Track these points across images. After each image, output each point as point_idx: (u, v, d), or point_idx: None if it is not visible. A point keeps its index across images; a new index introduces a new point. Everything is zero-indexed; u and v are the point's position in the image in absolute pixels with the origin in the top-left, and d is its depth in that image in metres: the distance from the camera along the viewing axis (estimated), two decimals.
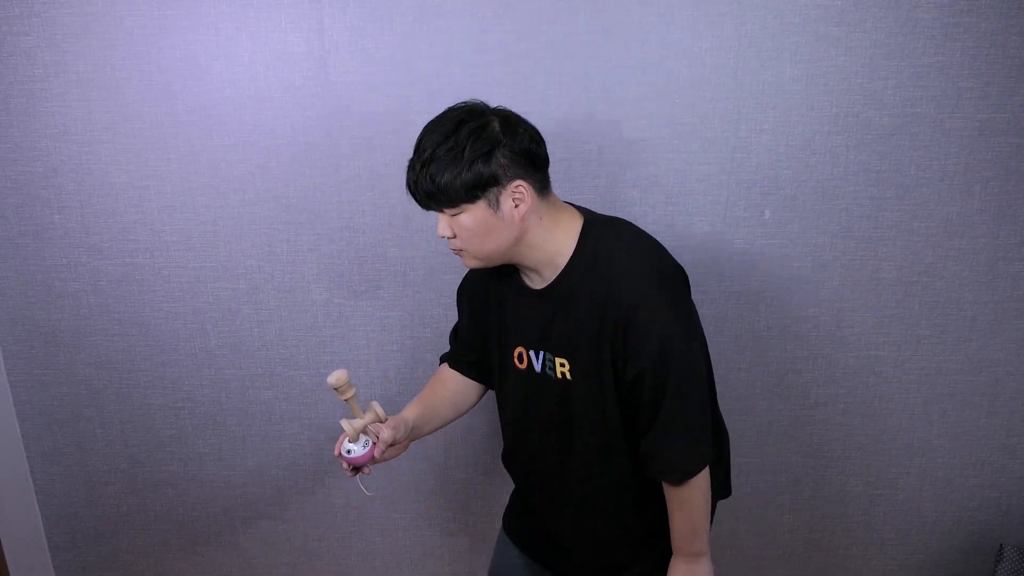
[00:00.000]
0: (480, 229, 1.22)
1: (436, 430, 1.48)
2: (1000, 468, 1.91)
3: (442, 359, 1.56)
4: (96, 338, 1.88)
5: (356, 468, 1.34)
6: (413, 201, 1.26)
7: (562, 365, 1.32)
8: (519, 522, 1.62)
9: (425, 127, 1.23)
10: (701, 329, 1.34)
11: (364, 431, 1.31)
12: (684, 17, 1.61)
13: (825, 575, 2.04)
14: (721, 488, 1.49)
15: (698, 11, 1.60)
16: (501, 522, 1.68)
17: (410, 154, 1.78)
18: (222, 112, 1.71)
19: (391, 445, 1.34)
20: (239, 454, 1.98)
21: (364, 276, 1.82)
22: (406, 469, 1.98)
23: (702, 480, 1.31)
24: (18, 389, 1.94)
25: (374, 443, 1.32)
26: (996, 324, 1.79)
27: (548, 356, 1.34)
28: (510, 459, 1.55)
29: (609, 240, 1.28)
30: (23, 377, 1.92)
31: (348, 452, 1.32)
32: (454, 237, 1.25)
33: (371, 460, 1.33)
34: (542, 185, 1.26)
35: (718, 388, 1.84)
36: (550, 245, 1.27)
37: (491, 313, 1.42)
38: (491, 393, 1.54)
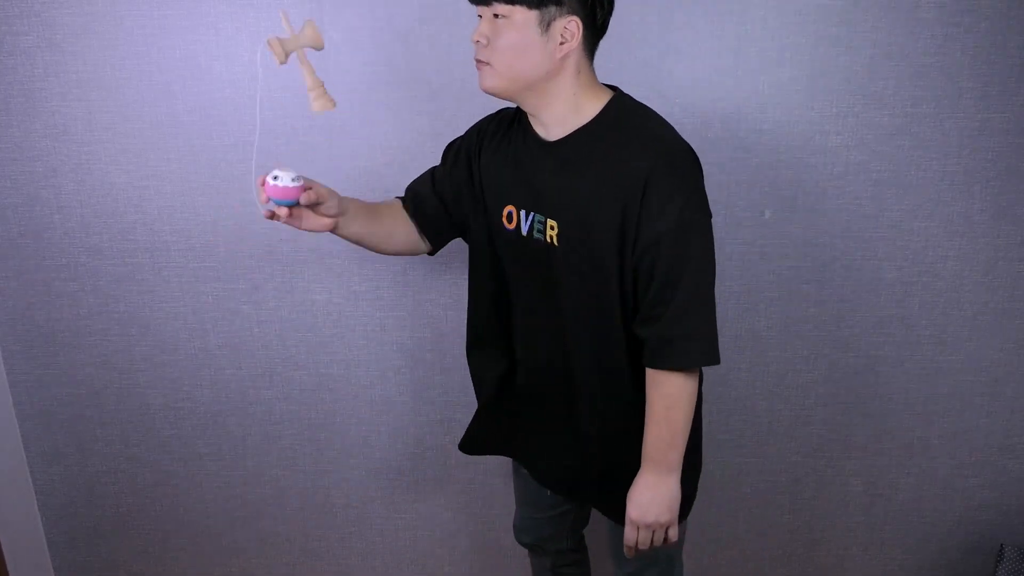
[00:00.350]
0: (520, 43, 1.15)
1: (359, 240, 1.36)
2: (1000, 468, 1.91)
3: (405, 193, 1.46)
4: (96, 338, 1.88)
5: (275, 210, 1.19)
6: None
7: (552, 228, 1.25)
8: (508, 436, 1.51)
9: None
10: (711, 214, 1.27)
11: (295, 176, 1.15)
12: (684, 17, 1.61)
13: (825, 575, 2.04)
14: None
15: (698, 11, 1.60)
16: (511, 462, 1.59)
17: (410, 154, 1.77)
18: (222, 112, 1.71)
19: (314, 209, 1.24)
20: (239, 454, 1.98)
21: (364, 276, 1.82)
22: (406, 469, 1.98)
23: (693, 383, 1.23)
24: (18, 389, 1.94)
25: (304, 184, 1.18)
26: (996, 324, 1.79)
27: (538, 218, 1.27)
28: (482, 347, 1.45)
29: (638, 112, 1.24)
30: (23, 377, 1.92)
31: (276, 179, 1.16)
32: (487, 45, 1.18)
33: (296, 203, 1.18)
34: (592, 45, 1.21)
35: (718, 389, 1.86)
36: (575, 100, 1.22)
37: (483, 174, 1.34)
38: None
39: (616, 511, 1.38)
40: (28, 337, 1.89)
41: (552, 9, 1.14)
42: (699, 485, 1.45)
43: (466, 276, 1.80)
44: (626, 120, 1.23)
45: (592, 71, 1.25)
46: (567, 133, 1.24)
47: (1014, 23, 1.58)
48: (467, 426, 1.57)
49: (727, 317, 1.81)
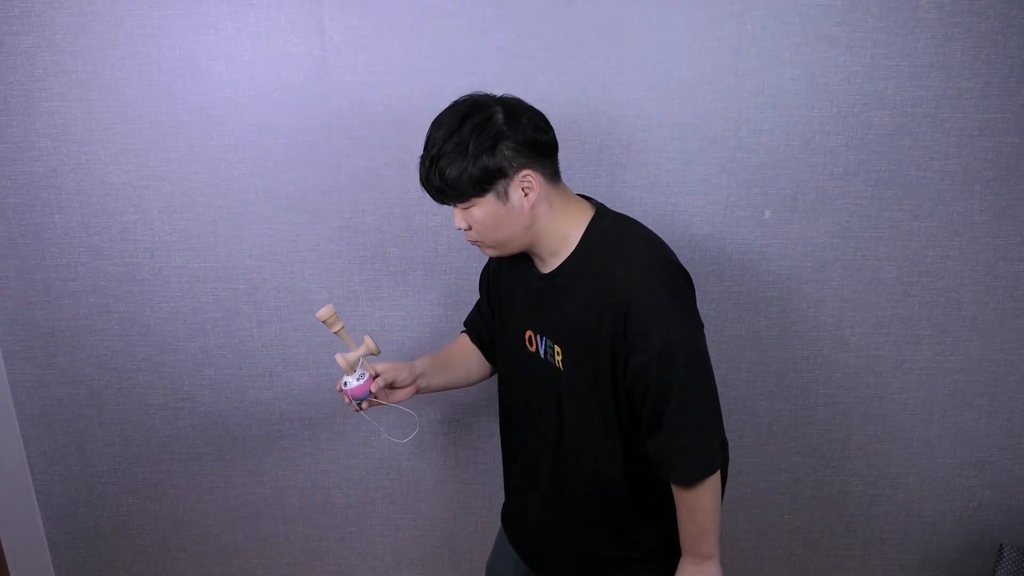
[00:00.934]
0: (492, 220, 1.24)
1: (445, 388, 1.52)
2: (1000, 468, 1.91)
3: (465, 328, 1.60)
4: (96, 338, 1.88)
5: (359, 404, 1.38)
6: (424, 196, 1.29)
7: (558, 353, 1.33)
8: (510, 516, 1.61)
9: (432, 122, 1.24)
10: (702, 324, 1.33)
11: (360, 365, 1.36)
12: (684, 17, 1.61)
13: (825, 575, 2.04)
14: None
15: (698, 11, 1.60)
16: (500, 519, 1.67)
17: (410, 153, 1.78)
18: (222, 112, 1.71)
19: (393, 387, 1.39)
20: (239, 454, 1.98)
21: (364, 276, 1.82)
22: (407, 469, 1.98)
23: (713, 481, 1.29)
24: (18, 389, 1.94)
25: (371, 376, 1.36)
26: (996, 324, 1.79)
27: (548, 342, 1.35)
28: (508, 442, 1.55)
29: (615, 232, 1.28)
30: (23, 377, 1.92)
31: (345, 385, 1.36)
32: (469, 229, 1.27)
33: (370, 394, 1.36)
34: (551, 172, 1.26)
35: (719, 388, 1.85)
36: (559, 232, 1.28)
37: (506, 296, 1.44)
38: (493, 383, 1.56)
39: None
40: (28, 337, 1.89)
41: (500, 183, 1.21)
42: None
43: (467, 277, 1.81)
44: (603, 246, 1.27)
45: (562, 194, 1.29)
46: (558, 264, 1.30)
47: (1014, 23, 1.58)
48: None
49: (727, 317, 1.81)
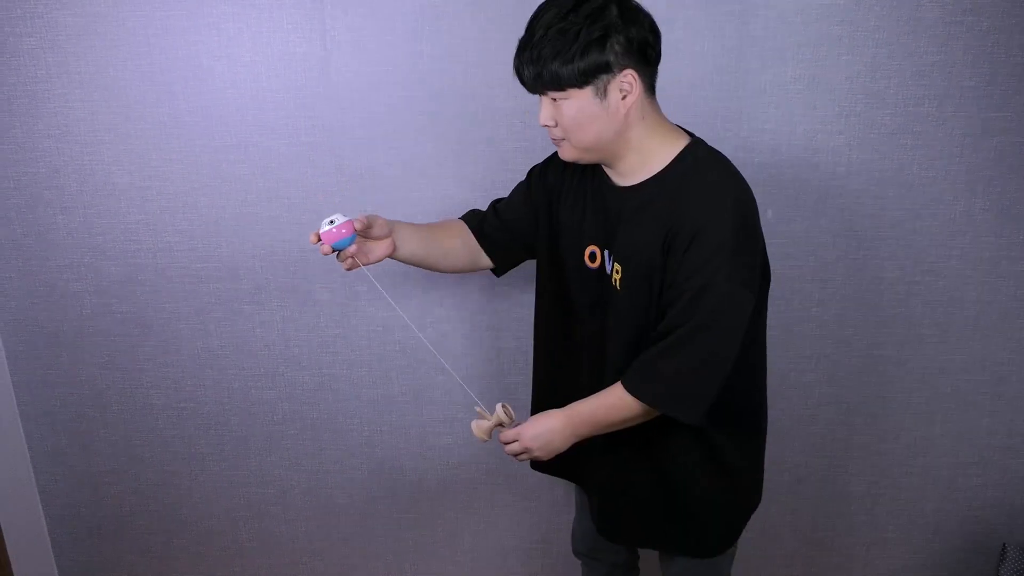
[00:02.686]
0: (584, 117, 1.18)
1: (419, 261, 1.42)
2: (1003, 467, 1.91)
3: (466, 217, 1.49)
4: (99, 338, 1.89)
5: (343, 256, 1.29)
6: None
7: (616, 272, 1.28)
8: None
9: (540, 4, 1.18)
10: (764, 278, 1.28)
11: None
12: (686, 17, 1.61)
13: (828, 574, 2.04)
14: (754, 491, 1.47)
15: (700, 11, 1.60)
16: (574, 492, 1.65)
17: (411, 153, 1.78)
18: (224, 112, 1.71)
19: (369, 236, 1.31)
20: (241, 454, 1.98)
21: (366, 276, 1.82)
22: (409, 469, 1.98)
23: (641, 412, 1.25)
24: (21, 389, 1.94)
25: (349, 220, 1.26)
26: (999, 323, 1.79)
27: (612, 258, 1.30)
28: (554, 360, 1.48)
29: (707, 164, 1.24)
30: (26, 377, 1.93)
31: (331, 223, 1.26)
32: (555, 126, 1.21)
33: (353, 240, 1.27)
34: (651, 82, 1.21)
35: None
36: (647, 148, 1.23)
37: (567, 209, 1.37)
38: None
39: (661, 543, 1.48)
40: (31, 337, 1.89)
41: (603, 77, 1.16)
42: None
43: (468, 276, 1.81)
44: (692, 174, 1.22)
45: (657, 111, 1.25)
46: (638, 181, 1.25)
47: (1016, 22, 1.58)
48: None
49: None
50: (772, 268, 1.76)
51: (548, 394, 1.49)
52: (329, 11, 1.64)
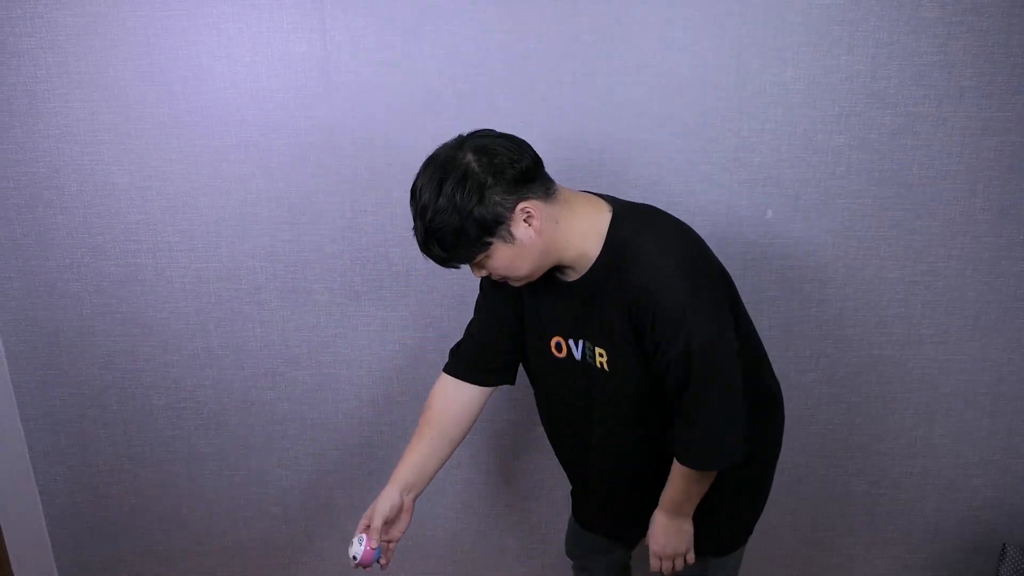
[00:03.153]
0: (508, 261, 1.22)
1: (438, 471, 1.47)
2: (1003, 468, 1.91)
3: (448, 368, 1.48)
4: (99, 338, 1.89)
5: (379, 563, 1.37)
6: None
7: (601, 355, 1.32)
8: (586, 510, 1.61)
9: (411, 196, 1.21)
10: (737, 317, 1.33)
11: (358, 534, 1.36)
12: (685, 16, 1.61)
13: (828, 574, 2.03)
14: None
15: (700, 10, 1.60)
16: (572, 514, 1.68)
17: (412, 153, 1.77)
18: (224, 113, 1.71)
19: (390, 523, 1.38)
20: (241, 454, 1.98)
21: (366, 276, 1.82)
22: None
23: (712, 473, 1.34)
24: (21, 390, 1.94)
25: (367, 536, 1.35)
26: (999, 323, 1.79)
27: (588, 345, 1.33)
28: (559, 443, 1.55)
29: (637, 232, 1.25)
30: (26, 377, 1.93)
31: (354, 558, 1.34)
32: (490, 274, 1.26)
33: (380, 552, 1.37)
34: (544, 190, 1.21)
35: None
36: (576, 242, 1.25)
37: (523, 304, 1.41)
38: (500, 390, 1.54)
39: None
40: (31, 338, 1.89)
41: (501, 227, 1.18)
42: None
43: (469, 277, 1.81)
44: (626, 255, 1.24)
45: (565, 200, 1.25)
46: (581, 274, 1.29)
47: (1016, 22, 1.58)
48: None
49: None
50: (773, 267, 1.77)
51: (562, 454, 1.57)
52: (329, 11, 1.64)
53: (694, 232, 1.31)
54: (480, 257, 1.21)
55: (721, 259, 1.76)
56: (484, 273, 1.26)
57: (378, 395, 1.92)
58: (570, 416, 1.45)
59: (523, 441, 1.95)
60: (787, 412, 1.88)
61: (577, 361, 1.36)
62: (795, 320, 1.81)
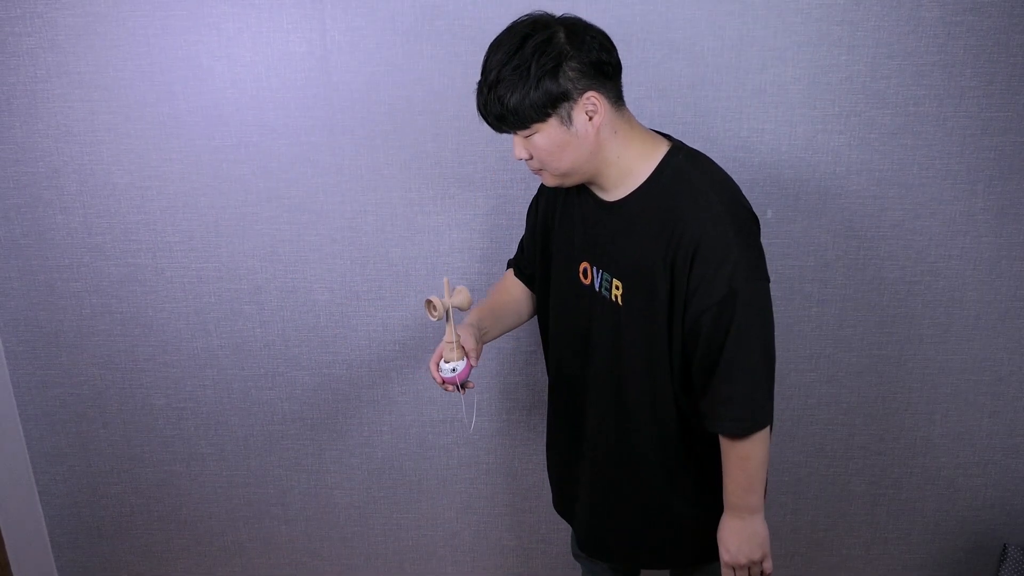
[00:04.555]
0: (556, 147, 1.19)
1: (502, 334, 1.50)
2: (1003, 468, 1.91)
3: (509, 264, 1.58)
4: (98, 338, 1.89)
5: (461, 385, 1.35)
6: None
7: (616, 287, 1.28)
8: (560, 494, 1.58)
9: (490, 45, 1.18)
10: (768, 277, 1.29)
11: (456, 348, 1.32)
12: (685, 16, 1.61)
13: (828, 574, 2.03)
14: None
15: (700, 10, 1.60)
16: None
17: (412, 153, 1.78)
18: (224, 112, 1.71)
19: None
20: (241, 454, 1.98)
21: (366, 276, 1.82)
22: (408, 469, 1.98)
23: (764, 434, 1.25)
24: (21, 389, 1.94)
25: (467, 360, 1.33)
26: (999, 323, 1.79)
27: (606, 276, 1.30)
28: (557, 383, 1.52)
29: (690, 170, 1.23)
30: (26, 377, 1.93)
31: (453, 371, 1.32)
32: (531, 158, 1.22)
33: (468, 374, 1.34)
34: (615, 95, 1.21)
35: None
36: (625, 162, 1.23)
37: (559, 228, 1.38)
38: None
39: (654, 561, 1.49)
40: (31, 337, 1.89)
41: (564, 106, 1.16)
42: None
43: (469, 277, 1.81)
44: (678, 182, 1.22)
45: (629, 121, 1.25)
46: (624, 195, 1.26)
47: (1016, 22, 1.58)
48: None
49: None
50: (773, 267, 1.76)
51: (558, 426, 1.54)
52: (329, 11, 1.64)
53: (737, 185, 1.28)
54: (533, 128, 1.17)
55: None
56: (526, 155, 1.22)
57: (378, 395, 1.92)
58: (593, 360, 1.38)
59: (523, 441, 1.95)
60: (787, 412, 1.89)
61: (596, 292, 1.32)
62: (795, 320, 1.81)
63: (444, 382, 1.33)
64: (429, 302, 1.28)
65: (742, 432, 1.24)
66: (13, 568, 1.99)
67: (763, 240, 1.73)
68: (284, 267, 1.82)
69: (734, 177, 1.69)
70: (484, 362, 1.87)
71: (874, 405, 1.87)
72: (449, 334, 1.31)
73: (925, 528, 1.97)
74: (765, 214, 1.73)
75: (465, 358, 1.33)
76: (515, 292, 1.53)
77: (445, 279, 1.29)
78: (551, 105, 1.15)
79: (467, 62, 1.66)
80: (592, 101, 1.17)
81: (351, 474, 1.99)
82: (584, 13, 1.60)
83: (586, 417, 1.43)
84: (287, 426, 1.96)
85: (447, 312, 1.29)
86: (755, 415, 1.24)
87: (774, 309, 1.78)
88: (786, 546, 2.01)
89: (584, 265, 1.34)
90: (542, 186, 1.46)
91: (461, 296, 1.31)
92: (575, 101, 1.16)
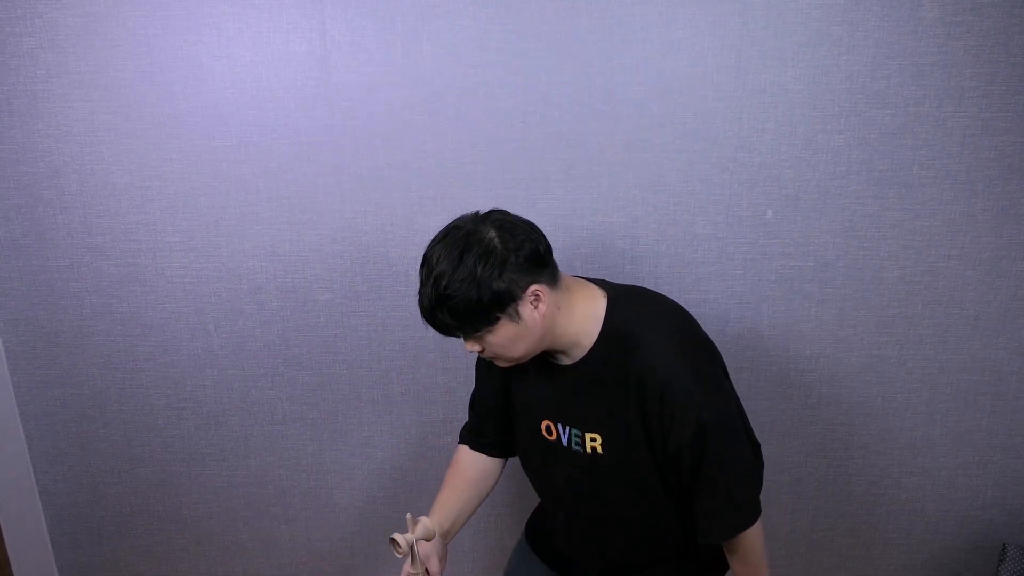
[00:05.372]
0: (508, 340, 1.23)
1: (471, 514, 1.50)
2: (1003, 467, 1.90)
3: (461, 437, 1.56)
4: (98, 338, 1.89)
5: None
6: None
7: (593, 440, 1.33)
8: (544, 540, 1.61)
9: (425, 257, 1.22)
10: (733, 392, 1.35)
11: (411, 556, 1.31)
12: (685, 16, 1.61)
13: (828, 574, 2.03)
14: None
15: (700, 10, 1.60)
16: (524, 531, 1.67)
17: (412, 153, 1.78)
18: (224, 112, 1.71)
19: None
20: (241, 454, 1.98)
21: (366, 276, 1.82)
22: (408, 470, 1.98)
23: (755, 529, 1.33)
24: (21, 389, 1.94)
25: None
26: (999, 323, 1.79)
27: (575, 432, 1.34)
28: (542, 512, 1.59)
29: (635, 316, 1.28)
30: (26, 377, 1.93)
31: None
32: (483, 351, 1.26)
33: None
34: (552, 277, 1.25)
35: None
36: (574, 329, 1.27)
37: (516, 382, 1.42)
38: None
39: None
40: (31, 337, 1.89)
41: (511, 305, 1.19)
42: None
43: None
44: (627, 338, 1.26)
45: (567, 286, 1.28)
46: (580, 357, 1.30)
47: (1016, 22, 1.58)
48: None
49: (729, 317, 1.81)
50: (773, 267, 1.77)
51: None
52: (329, 11, 1.64)
53: (683, 309, 1.34)
54: (483, 331, 1.21)
55: (720, 259, 1.77)
56: (478, 349, 1.25)
57: (378, 395, 1.92)
58: (572, 506, 1.45)
59: None
60: (787, 412, 1.89)
61: (563, 447, 1.37)
62: (795, 320, 1.81)
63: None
64: (393, 540, 1.28)
65: (727, 538, 1.32)
66: (13, 568, 1.99)
67: (763, 240, 1.74)
68: (284, 267, 1.82)
69: (734, 178, 1.70)
70: None
71: (874, 405, 1.87)
72: (415, 567, 1.31)
73: (925, 528, 1.97)
74: (765, 214, 1.73)
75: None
76: (472, 473, 1.50)
77: (408, 515, 1.29)
78: (500, 308, 1.19)
79: (467, 62, 1.66)
80: (535, 293, 1.21)
81: (351, 474, 1.99)
82: (584, 13, 1.61)
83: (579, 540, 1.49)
84: (287, 426, 1.96)
85: (411, 547, 1.30)
86: (735, 523, 1.31)
87: (774, 309, 1.80)
88: (786, 546, 2.01)
89: (546, 423, 1.38)
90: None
91: (423, 528, 1.31)
92: (520, 299, 1.20)
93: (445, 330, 1.23)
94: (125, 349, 1.90)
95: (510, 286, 1.18)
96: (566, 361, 1.32)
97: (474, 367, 1.53)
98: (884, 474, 1.93)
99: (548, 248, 1.25)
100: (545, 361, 1.34)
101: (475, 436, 1.54)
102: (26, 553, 2.02)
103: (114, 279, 1.84)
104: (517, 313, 1.20)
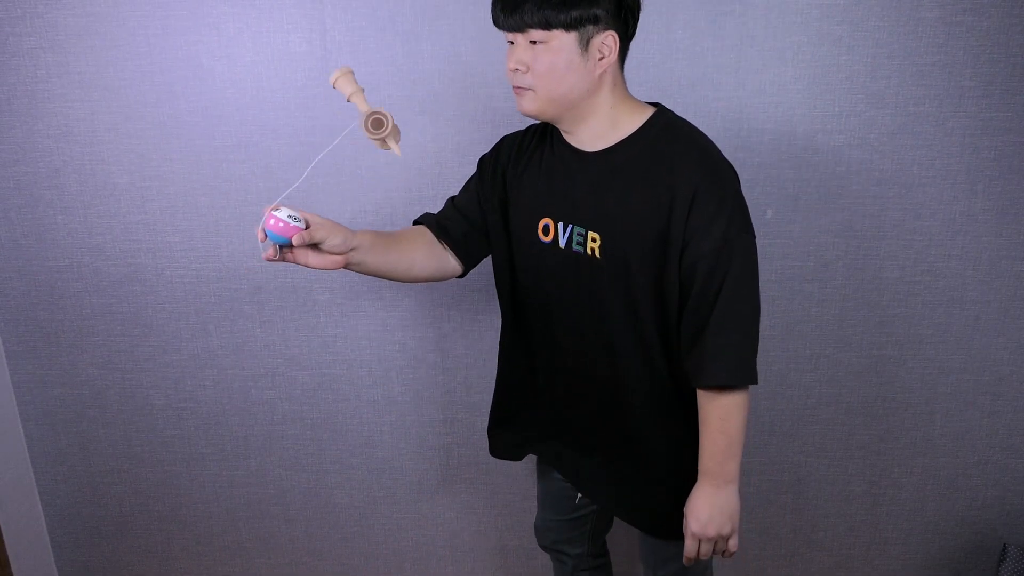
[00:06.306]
0: (561, 65, 1.15)
1: (379, 273, 1.33)
2: (1003, 467, 1.91)
3: (416, 221, 1.43)
4: (99, 338, 1.89)
5: (280, 250, 1.17)
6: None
7: (593, 240, 1.25)
8: (537, 433, 1.50)
9: None
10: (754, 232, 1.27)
11: (291, 209, 1.15)
12: (685, 16, 1.61)
13: (828, 574, 2.03)
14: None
15: (700, 10, 1.60)
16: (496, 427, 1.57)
17: (412, 153, 1.77)
18: (224, 112, 1.71)
19: (318, 247, 1.20)
20: (241, 454, 1.98)
21: (366, 276, 1.82)
22: (408, 469, 1.98)
23: (745, 396, 1.24)
24: (21, 389, 1.94)
25: (302, 229, 1.15)
26: (999, 323, 1.79)
27: (577, 229, 1.27)
28: (515, 350, 1.45)
29: (679, 124, 1.25)
30: (26, 377, 1.93)
31: (276, 211, 1.15)
32: (526, 71, 1.17)
33: (289, 242, 1.15)
34: (624, 55, 1.21)
35: None
36: (613, 115, 1.22)
37: (518, 185, 1.34)
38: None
39: (643, 522, 1.42)
40: (31, 337, 1.89)
41: (590, 28, 1.15)
42: None
43: (467, 275, 1.81)
44: (673, 133, 1.23)
45: (624, 83, 1.25)
46: (608, 145, 1.24)
47: (1016, 22, 1.58)
48: (490, 431, 1.56)
49: None
50: (773, 267, 1.77)
51: (511, 400, 1.49)
52: (329, 11, 1.64)
53: None
54: (553, 34, 1.13)
55: None
56: (523, 66, 1.17)
57: (378, 395, 1.92)
58: (563, 323, 1.33)
59: None
60: (787, 412, 1.89)
61: (560, 248, 1.29)
62: (795, 320, 1.81)
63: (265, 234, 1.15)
64: (378, 119, 1.17)
65: (731, 382, 1.21)
66: (13, 568, 1.99)
67: (763, 240, 1.74)
68: (284, 267, 1.82)
69: None
70: (483, 362, 1.87)
71: (874, 405, 1.87)
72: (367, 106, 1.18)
73: (925, 528, 1.97)
74: (765, 214, 1.73)
75: (298, 220, 1.15)
76: (416, 240, 1.37)
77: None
78: (581, 21, 1.13)
79: (467, 62, 1.66)
80: (610, 42, 1.16)
81: (351, 474, 1.99)
82: None
83: (569, 368, 1.38)
84: (287, 426, 1.96)
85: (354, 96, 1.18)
86: (743, 367, 1.22)
87: (774, 309, 1.80)
88: (786, 546, 2.01)
89: (545, 221, 1.30)
90: (500, 144, 1.40)
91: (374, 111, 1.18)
92: (599, 31, 1.15)
93: (521, 12, 1.13)
94: (125, 349, 1.90)
95: (599, 10, 1.13)
96: (588, 148, 1.25)
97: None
98: (884, 474, 1.93)
99: (634, 32, 1.22)
100: (565, 150, 1.27)
101: (438, 220, 1.40)
102: (26, 553, 2.02)
103: (114, 279, 1.84)
104: (587, 43, 1.15)
